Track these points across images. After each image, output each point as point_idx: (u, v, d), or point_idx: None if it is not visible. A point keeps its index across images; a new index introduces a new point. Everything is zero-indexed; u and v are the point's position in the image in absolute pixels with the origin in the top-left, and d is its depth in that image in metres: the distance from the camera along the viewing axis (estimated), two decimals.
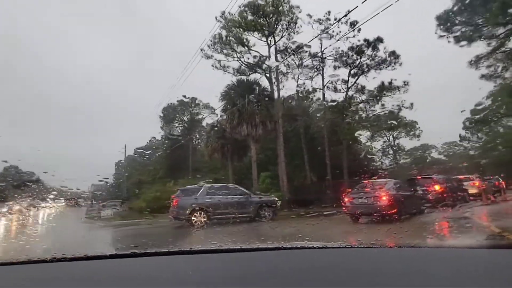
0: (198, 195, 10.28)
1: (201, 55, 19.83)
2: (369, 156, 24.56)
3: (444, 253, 1.29)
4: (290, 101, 26.70)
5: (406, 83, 18.34)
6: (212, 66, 20.10)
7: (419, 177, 13.16)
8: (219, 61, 19.88)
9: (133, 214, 18.89)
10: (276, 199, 11.98)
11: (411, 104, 18.83)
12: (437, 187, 12.46)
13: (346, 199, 9.92)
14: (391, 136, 37.78)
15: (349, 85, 19.90)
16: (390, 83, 18.35)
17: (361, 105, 19.59)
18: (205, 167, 28.22)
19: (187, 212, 9.80)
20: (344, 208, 9.95)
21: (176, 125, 32.73)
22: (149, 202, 19.59)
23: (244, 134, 18.22)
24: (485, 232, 5.70)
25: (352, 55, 19.13)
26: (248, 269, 1.21)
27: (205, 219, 9.74)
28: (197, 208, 9.88)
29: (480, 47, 16.30)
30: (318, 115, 24.46)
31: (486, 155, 33.89)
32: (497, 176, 18.14)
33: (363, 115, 19.49)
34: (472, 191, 14.28)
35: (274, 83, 20.57)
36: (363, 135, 21.72)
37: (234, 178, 21.96)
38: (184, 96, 31.10)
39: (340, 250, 1.50)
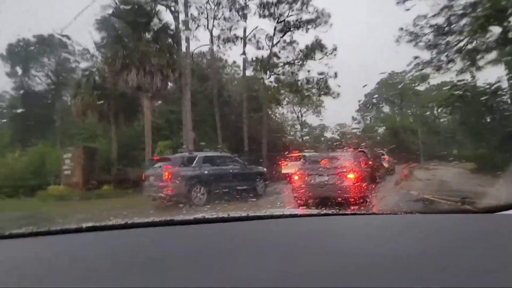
0: (195, 166, 8.51)
1: None
2: (286, 129, 22.63)
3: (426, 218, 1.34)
4: (201, 58, 21.85)
5: (335, 48, 16.28)
6: None
7: (347, 150, 11.78)
8: None
9: None
10: (265, 169, 10.90)
11: (335, 73, 17.07)
12: (370, 162, 11.54)
13: (296, 178, 6.75)
14: (299, 111, 38.38)
15: (274, 42, 16.54)
16: (320, 43, 15.86)
17: (286, 67, 16.61)
18: (80, 133, 20.74)
19: (186, 187, 7.94)
20: (294, 191, 6.76)
21: (34, 72, 22.90)
22: None
23: (133, 85, 12.56)
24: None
25: (280, 3, 15.66)
26: (235, 239, 1.17)
27: (206, 195, 8.17)
28: (198, 182, 8.23)
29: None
30: (235, 77, 20.58)
31: (369, 135, 38.60)
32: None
33: (289, 78, 16.66)
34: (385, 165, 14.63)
35: (183, 30, 15.30)
36: (286, 104, 19.16)
37: (120, 148, 16.10)
38: (57, 35, 21.46)
39: (321, 217, 1.49)
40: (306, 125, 42.13)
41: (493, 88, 15.24)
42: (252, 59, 16.56)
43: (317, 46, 15.69)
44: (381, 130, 41.24)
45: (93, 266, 0.91)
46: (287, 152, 14.88)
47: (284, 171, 12.60)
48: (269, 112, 20.23)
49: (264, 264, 0.83)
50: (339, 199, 5.77)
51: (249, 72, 18.95)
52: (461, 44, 14.22)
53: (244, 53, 16.60)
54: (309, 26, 16.49)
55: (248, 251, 0.97)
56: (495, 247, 0.89)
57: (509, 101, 15.70)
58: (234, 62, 24.14)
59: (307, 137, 42.27)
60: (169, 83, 13.88)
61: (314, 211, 1.55)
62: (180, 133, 15.19)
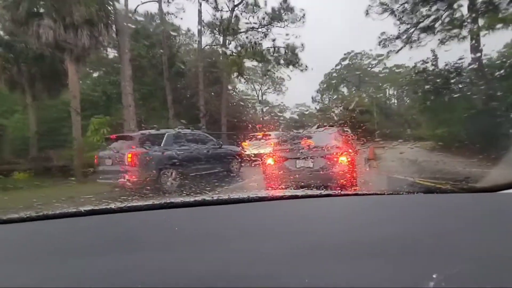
0: (164, 145, 7.16)
1: None
2: (246, 107, 20.81)
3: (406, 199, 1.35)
4: (148, 20, 18.51)
5: (303, 15, 14.42)
6: None
7: (324, 128, 10.47)
8: None
9: None
10: (240, 149, 10.01)
11: (302, 44, 15.37)
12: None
13: (270, 162, 5.09)
14: (260, 89, 37.53)
15: (236, 2, 14.13)
16: (287, 6, 13.81)
17: (249, 32, 14.41)
18: None
19: (155, 171, 6.66)
20: (267, 178, 5.19)
21: None
22: None
23: (49, 41, 9.41)
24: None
25: None
26: (236, 221, 1.15)
27: (179, 180, 6.87)
28: (168, 164, 6.93)
29: None
30: (191, 47, 17.71)
31: (326, 114, 39.19)
32: None
33: (252, 45, 14.49)
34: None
35: None
36: (248, 77, 17.13)
37: (41, 125, 12.85)
38: None
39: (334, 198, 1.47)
40: (267, 104, 41.04)
41: (455, 66, 15.11)
42: (209, 21, 14.01)
43: (284, 9, 13.70)
44: (338, 110, 41.95)
45: (93, 250, 0.88)
46: (250, 131, 13.12)
47: (248, 152, 10.90)
48: (229, 87, 18.08)
49: (268, 245, 0.81)
50: (328, 185, 4.27)
51: (206, 39, 16.39)
52: (434, 17, 13.44)
53: (199, 11, 13.89)
54: None
55: (251, 233, 0.95)
56: (498, 225, 0.89)
57: (469, 79, 15.70)
58: (189, 30, 21.20)
59: (267, 117, 41.52)
60: (102, 43, 10.87)
61: (316, 192, 1.49)
62: (120, 108, 12.40)
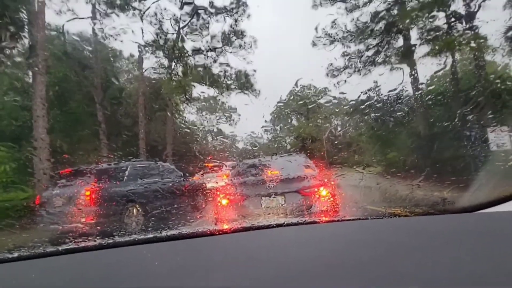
0: (126, 180, 6.59)
1: None
2: (196, 137, 19.24)
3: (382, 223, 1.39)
4: (80, 39, 16.42)
5: (254, 40, 13.98)
6: None
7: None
8: None
9: None
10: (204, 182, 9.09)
11: (255, 70, 14.82)
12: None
13: (224, 202, 3.73)
14: (216, 118, 36.45)
15: (182, 25, 13.13)
16: (238, 31, 13.21)
17: (197, 56, 13.34)
18: None
19: (117, 209, 6.08)
20: (221, 222, 3.75)
21: None
22: None
23: None
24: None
25: None
26: (227, 251, 1.13)
27: (143, 218, 6.35)
28: (131, 201, 6.36)
29: None
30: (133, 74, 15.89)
31: (279, 144, 39.57)
32: None
33: (200, 69, 13.35)
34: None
35: None
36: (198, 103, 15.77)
37: None
38: None
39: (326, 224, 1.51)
40: (219, 134, 39.79)
41: (396, 95, 15.96)
42: (153, 41, 12.65)
43: (235, 33, 13.07)
44: (290, 139, 42.68)
45: None
46: (200, 163, 11.55)
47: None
48: (176, 116, 16.47)
49: (255, 274, 0.80)
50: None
51: (149, 63, 14.86)
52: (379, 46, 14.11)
53: (142, 34, 12.45)
54: (223, 13, 13.78)
55: (237, 263, 0.94)
56: (479, 244, 0.90)
57: (408, 107, 16.56)
58: (132, 55, 19.44)
59: (219, 148, 40.17)
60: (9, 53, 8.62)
61: (300, 219, 1.50)
62: (32, 139, 9.85)
